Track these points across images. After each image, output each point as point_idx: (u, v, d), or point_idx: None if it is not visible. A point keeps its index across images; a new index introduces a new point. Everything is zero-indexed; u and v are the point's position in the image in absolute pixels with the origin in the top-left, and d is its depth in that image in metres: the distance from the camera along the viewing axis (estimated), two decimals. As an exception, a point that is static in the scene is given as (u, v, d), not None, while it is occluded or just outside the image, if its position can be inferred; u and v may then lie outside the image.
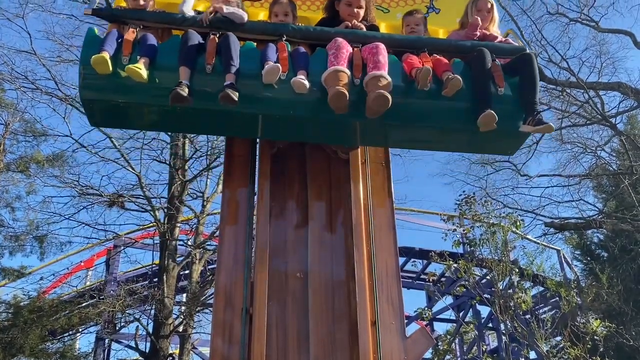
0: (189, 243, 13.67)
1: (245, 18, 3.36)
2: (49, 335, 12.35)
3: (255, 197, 3.64)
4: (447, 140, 3.75)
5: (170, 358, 12.02)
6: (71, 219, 12.94)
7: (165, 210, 12.77)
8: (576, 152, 15.90)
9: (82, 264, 15.97)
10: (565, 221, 15.33)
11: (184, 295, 14.44)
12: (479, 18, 3.67)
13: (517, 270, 11.24)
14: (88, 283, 15.55)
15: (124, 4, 3.66)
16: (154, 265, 13.69)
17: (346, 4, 3.70)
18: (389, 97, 3.03)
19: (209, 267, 13.67)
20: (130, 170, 12.79)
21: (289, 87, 3.12)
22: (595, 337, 10.15)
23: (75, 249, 14.26)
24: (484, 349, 15.77)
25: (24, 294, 12.69)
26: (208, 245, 13.25)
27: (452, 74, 3.22)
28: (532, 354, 12.26)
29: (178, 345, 12.75)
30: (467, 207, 11.49)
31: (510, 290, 11.13)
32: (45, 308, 11.92)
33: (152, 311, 12.11)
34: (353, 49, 3.31)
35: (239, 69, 3.12)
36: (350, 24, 3.57)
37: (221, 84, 3.07)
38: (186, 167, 13.30)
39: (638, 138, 14.70)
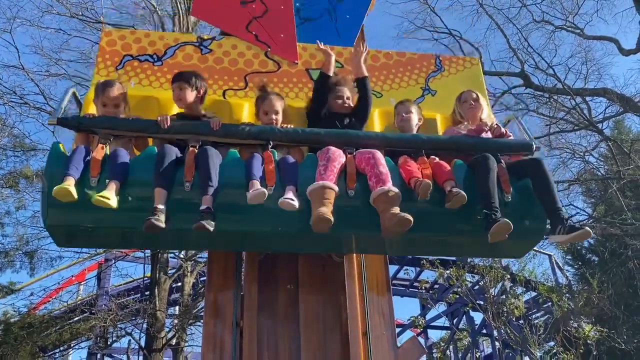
0: (181, 255, 13.60)
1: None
2: (39, 351, 12.22)
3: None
4: (449, 248, 3.54)
5: (163, 372, 11.92)
6: (61, 233, 12.79)
7: (157, 222, 12.67)
8: (565, 157, 16.00)
9: (73, 278, 15.85)
10: (556, 226, 15.37)
11: (177, 308, 14.34)
12: (483, 123, 3.52)
13: (508, 276, 11.28)
14: (79, 297, 15.42)
15: (93, 111, 3.25)
16: (145, 279, 13.59)
17: (336, 98, 3.55)
18: (411, 218, 2.69)
19: (201, 279, 13.60)
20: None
21: (276, 202, 2.76)
22: (587, 341, 10.18)
23: (66, 264, 14.16)
24: (477, 356, 15.77)
25: (14, 310, 12.59)
26: (199, 257, 13.19)
27: (455, 184, 2.94)
28: (526, 360, 12.28)
29: (171, 359, 12.65)
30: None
31: (503, 297, 11.16)
32: (36, 324, 11.80)
33: (144, 325, 12.02)
34: (346, 156, 3.03)
35: (218, 189, 2.78)
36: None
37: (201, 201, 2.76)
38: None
39: (624, 143, 14.84)
